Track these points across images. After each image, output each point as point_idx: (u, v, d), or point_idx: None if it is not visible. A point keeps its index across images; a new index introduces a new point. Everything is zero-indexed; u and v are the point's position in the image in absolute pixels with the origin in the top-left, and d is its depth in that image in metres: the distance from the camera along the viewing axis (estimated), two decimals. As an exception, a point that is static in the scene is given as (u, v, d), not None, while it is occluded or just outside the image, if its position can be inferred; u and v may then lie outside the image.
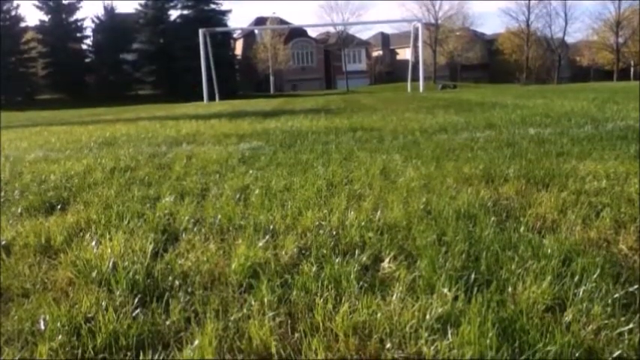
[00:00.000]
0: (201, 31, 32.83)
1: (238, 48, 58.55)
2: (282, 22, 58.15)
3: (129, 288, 1.85)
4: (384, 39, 68.70)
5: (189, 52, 40.49)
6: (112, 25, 48.83)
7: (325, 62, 63.49)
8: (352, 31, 59.53)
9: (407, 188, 3.15)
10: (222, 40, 47.65)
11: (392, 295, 1.70)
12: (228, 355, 1.44)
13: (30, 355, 1.48)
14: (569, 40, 63.81)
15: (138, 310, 1.68)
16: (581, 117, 7.28)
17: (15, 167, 4.75)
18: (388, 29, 66.97)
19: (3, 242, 2.41)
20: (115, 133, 8.31)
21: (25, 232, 2.56)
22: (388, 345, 1.43)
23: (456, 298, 1.66)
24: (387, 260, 2.00)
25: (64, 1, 48.18)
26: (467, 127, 6.61)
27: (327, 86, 60.83)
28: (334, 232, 2.36)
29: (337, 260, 1.99)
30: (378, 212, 2.61)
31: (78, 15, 49.51)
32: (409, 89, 35.12)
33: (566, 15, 60.21)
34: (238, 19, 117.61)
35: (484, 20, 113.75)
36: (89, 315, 1.66)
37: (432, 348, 1.40)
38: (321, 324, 1.55)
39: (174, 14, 50.80)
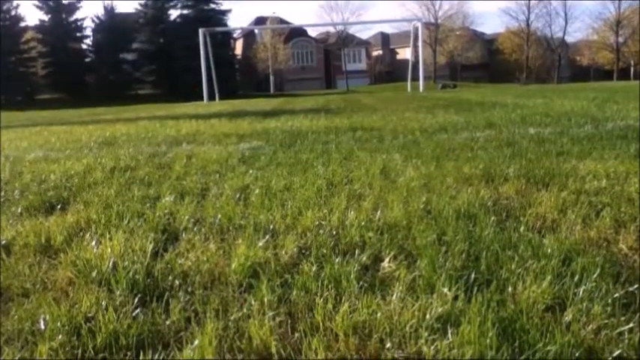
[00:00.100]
0: (201, 31, 32.83)
1: (238, 48, 58.54)
2: (282, 21, 58.15)
3: (129, 288, 1.85)
4: (384, 38, 68.69)
5: (189, 52, 40.50)
6: (111, 24, 48.82)
7: (325, 62, 63.47)
8: (352, 30, 59.55)
9: (407, 188, 3.15)
10: (222, 40, 47.64)
11: (392, 295, 1.70)
12: (228, 355, 1.44)
13: (30, 355, 1.48)
14: (569, 39, 63.92)
15: (138, 310, 1.68)
16: (581, 116, 7.28)
17: (15, 167, 4.75)
18: (388, 29, 67.05)
19: (3, 242, 2.41)
20: (115, 132, 8.31)
21: (25, 231, 2.56)
22: (388, 345, 1.43)
23: (456, 298, 1.66)
24: (387, 260, 2.00)
25: (63, 1, 48.20)
26: (467, 127, 6.61)
27: (327, 86, 60.82)
28: (334, 232, 2.36)
29: (337, 260, 1.99)
30: (378, 212, 2.61)
31: (78, 15, 49.61)
32: (409, 89, 35.13)
33: (566, 14, 60.29)
34: (238, 19, 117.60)
35: (484, 20, 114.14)
36: (89, 315, 1.66)
37: (432, 348, 1.40)
38: (321, 324, 1.55)
39: (174, 14, 50.90)
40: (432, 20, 58.80)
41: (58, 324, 1.59)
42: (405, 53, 58.50)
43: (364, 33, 69.85)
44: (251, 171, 4.01)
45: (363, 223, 2.43)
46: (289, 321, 1.59)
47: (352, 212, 2.64)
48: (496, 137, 5.34)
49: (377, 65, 64.68)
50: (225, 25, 50.07)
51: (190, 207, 2.91)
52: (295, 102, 20.45)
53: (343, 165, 4.11)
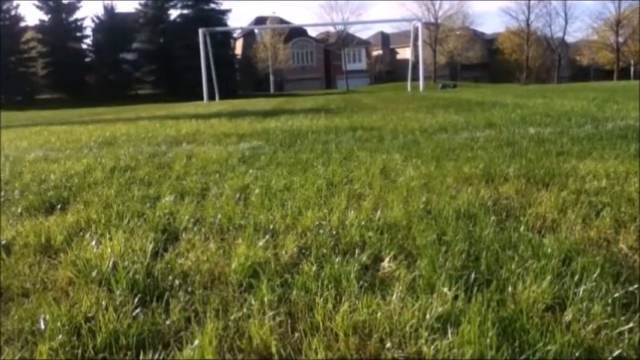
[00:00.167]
0: (201, 31, 32.83)
1: (238, 47, 58.54)
2: (282, 21, 58.16)
3: (129, 287, 1.85)
4: (384, 38, 68.69)
5: (189, 52, 40.53)
6: (111, 24, 48.85)
7: (325, 62, 63.48)
8: (352, 30, 59.57)
9: (407, 188, 3.15)
10: (222, 40, 47.65)
11: (392, 295, 1.70)
12: (228, 355, 1.44)
13: (30, 355, 1.48)
14: (569, 39, 63.91)
15: (138, 310, 1.68)
16: (581, 116, 7.28)
17: (15, 167, 4.75)
18: (388, 28, 67.10)
19: (3, 242, 2.41)
20: (115, 132, 8.31)
21: (25, 231, 2.56)
22: (388, 344, 1.43)
23: (456, 298, 1.66)
24: (387, 260, 2.00)
25: (63, 1, 48.22)
26: (467, 127, 6.61)
27: (327, 86, 60.81)
28: (334, 232, 2.36)
29: (337, 260, 1.99)
30: (378, 212, 2.61)
31: (78, 14, 49.66)
32: (409, 89, 35.12)
33: (566, 14, 60.30)
34: (238, 19, 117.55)
35: (484, 19, 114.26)
36: (89, 314, 1.66)
37: (432, 347, 1.40)
38: (321, 323, 1.55)
39: (174, 14, 50.90)
40: (432, 20, 58.81)
41: (58, 324, 1.59)
42: (405, 53, 58.50)
43: (364, 33, 70.00)
44: (251, 171, 4.01)
45: (363, 223, 2.43)
46: (289, 321, 1.59)
47: (352, 212, 2.64)
48: (496, 137, 5.34)
49: (377, 65, 64.69)
50: (225, 24, 50.09)
51: (190, 207, 2.91)
52: (295, 102, 20.45)
53: (343, 165, 4.12)
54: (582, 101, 11.01)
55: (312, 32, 64.66)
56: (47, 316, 1.63)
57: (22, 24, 46.93)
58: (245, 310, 1.66)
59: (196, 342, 1.47)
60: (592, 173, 3.36)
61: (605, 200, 2.71)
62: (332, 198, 2.98)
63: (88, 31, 50.50)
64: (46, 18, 47.77)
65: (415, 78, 35.56)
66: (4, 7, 45.07)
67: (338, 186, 3.33)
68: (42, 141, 7.41)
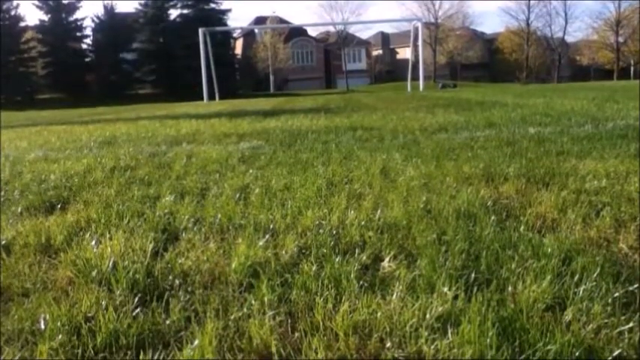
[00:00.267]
0: (201, 31, 32.80)
1: (238, 47, 58.50)
2: (281, 21, 58.14)
3: (129, 287, 1.85)
4: (384, 38, 68.67)
5: (189, 52, 40.51)
6: (111, 24, 48.83)
7: (325, 61, 63.44)
8: (352, 30, 59.51)
9: (407, 187, 3.15)
10: (222, 40, 47.62)
11: (392, 295, 1.70)
12: (228, 355, 1.44)
13: (30, 355, 1.48)
14: (569, 39, 63.94)
15: (138, 310, 1.68)
16: (581, 116, 7.28)
17: (15, 167, 4.75)
18: (388, 28, 67.07)
19: (3, 242, 2.41)
20: (115, 132, 8.31)
21: (25, 231, 2.56)
22: (388, 344, 1.43)
23: (456, 298, 1.66)
24: (387, 259, 2.00)
25: (63, 1, 48.14)
26: (467, 127, 6.60)
27: (327, 85, 60.80)
28: (334, 232, 2.36)
29: (337, 259, 1.99)
30: (378, 211, 2.61)
31: (78, 14, 49.59)
32: (409, 88, 35.10)
33: (566, 14, 60.28)
34: (238, 19, 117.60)
35: (484, 19, 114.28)
36: (89, 314, 1.66)
37: (432, 347, 1.40)
38: (321, 323, 1.55)
39: (174, 13, 50.85)
40: (432, 20, 58.79)
41: (58, 324, 1.59)
42: (405, 53, 58.48)
43: (364, 32, 69.95)
44: (251, 170, 4.01)
45: (363, 223, 2.43)
46: (289, 320, 1.59)
47: (352, 212, 2.64)
48: (496, 137, 5.34)
49: (377, 65, 64.68)
50: (225, 24, 50.04)
51: (190, 207, 2.91)
52: (295, 101, 20.45)
53: (343, 164, 4.11)
54: (582, 101, 11.01)
55: (312, 32, 64.72)
56: (47, 316, 1.63)
57: (22, 24, 46.88)
58: (245, 309, 1.66)
59: (196, 342, 1.47)
60: (592, 173, 3.36)
61: (605, 200, 2.71)
62: (332, 198, 2.98)
63: (88, 31, 50.56)
64: (46, 18, 47.73)
65: (415, 78, 35.55)
66: (4, 7, 45.05)
67: (338, 186, 3.33)
68: (42, 141, 7.41)
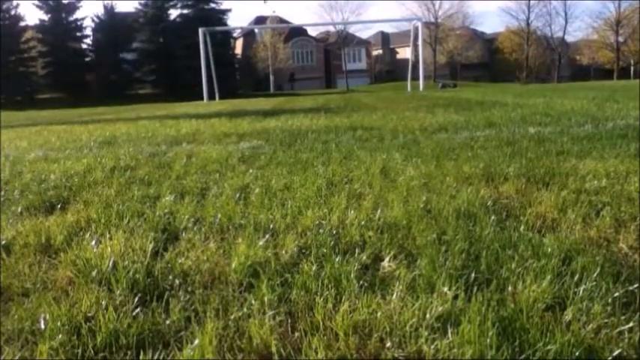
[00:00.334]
0: (201, 30, 32.79)
1: (238, 47, 58.48)
2: (281, 21, 58.12)
3: (129, 287, 1.85)
4: (384, 38, 68.65)
5: (190, 51, 40.49)
6: (111, 24, 48.81)
7: (325, 61, 63.43)
8: (352, 30, 59.49)
9: (407, 187, 3.14)
10: (222, 39, 47.59)
11: (392, 294, 1.70)
12: (228, 354, 1.44)
13: (30, 355, 1.48)
14: (569, 38, 63.94)
15: (138, 310, 1.68)
16: (581, 116, 7.28)
17: (15, 167, 4.75)
18: (388, 28, 67.06)
19: (3, 242, 2.41)
20: (115, 132, 8.31)
21: (25, 231, 2.56)
22: (388, 344, 1.43)
23: (456, 297, 1.66)
24: (387, 259, 2.00)
25: (63, 1, 48.12)
26: (467, 126, 6.60)
27: (327, 85, 60.79)
28: (334, 231, 2.36)
29: (337, 259, 1.99)
30: (378, 211, 2.61)
31: (78, 14, 49.63)
32: (409, 88, 35.10)
33: (566, 14, 60.27)
34: (238, 18, 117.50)
35: (484, 19, 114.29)
36: (89, 314, 1.66)
37: (432, 347, 1.40)
38: (321, 323, 1.55)
39: (174, 13, 50.83)
40: (432, 19, 58.79)
41: (58, 323, 1.59)
42: (405, 52, 58.46)
43: (364, 32, 69.93)
44: (251, 170, 4.01)
45: (363, 223, 2.43)
46: (289, 320, 1.59)
47: (352, 211, 2.64)
48: (496, 136, 5.34)
49: (377, 64, 64.67)
50: (225, 24, 50.01)
51: (190, 206, 2.91)
52: (295, 101, 20.45)
53: (343, 164, 4.11)
54: (582, 100, 11.01)
55: (312, 32, 64.71)
56: (47, 316, 1.63)
57: (22, 23, 46.85)
58: (245, 309, 1.66)
59: (196, 341, 1.47)
60: (592, 172, 3.36)
61: (605, 200, 2.71)
62: (332, 197, 2.98)
63: (88, 31, 50.51)
64: (46, 17, 47.70)
65: (415, 77, 35.53)
66: (4, 6, 45.03)
67: (338, 185, 3.33)
68: (42, 141, 7.41)
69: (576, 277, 1.75)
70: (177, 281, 1.89)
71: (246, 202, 3.02)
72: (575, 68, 62.83)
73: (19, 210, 3.03)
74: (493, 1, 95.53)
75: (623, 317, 1.52)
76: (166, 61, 46.93)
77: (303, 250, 2.16)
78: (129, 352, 1.47)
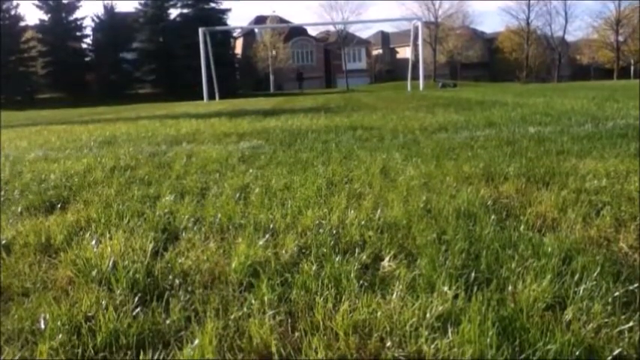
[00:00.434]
0: (200, 30, 32.77)
1: (238, 47, 58.47)
2: (281, 20, 58.10)
3: (129, 287, 1.85)
4: (384, 37, 68.65)
5: (189, 51, 40.47)
6: (111, 23, 48.81)
7: (325, 61, 63.43)
8: (352, 29, 59.48)
9: (407, 187, 3.14)
10: (222, 39, 47.56)
11: (392, 294, 1.70)
12: (228, 354, 1.44)
13: (30, 355, 1.48)
14: (569, 38, 63.97)
15: (138, 309, 1.68)
16: (581, 115, 7.28)
17: (15, 166, 4.75)
18: (388, 28, 67.09)
19: (3, 241, 2.41)
20: (115, 132, 8.30)
21: (25, 231, 2.56)
22: (388, 344, 1.43)
23: (456, 297, 1.66)
24: (387, 259, 2.00)
25: (63, 0, 48.12)
26: (467, 126, 6.60)
27: (327, 85, 60.78)
28: (334, 231, 2.36)
29: (337, 259, 1.99)
30: (378, 211, 2.61)
31: (78, 14, 49.73)
32: (409, 88, 35.09)
33: (566, 13, 60.27)
34: (238, 18, 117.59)
35: (484, 19, 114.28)
36: (89, 314, 1.66)
37: (432, 346, 1.40)
38: (321, 323, 1.55)
39: (174, 13, 50.81)
40: (432, 19, 58.77)
41: (58, 323, 1.59)
42: (405, 52, 58.46)
43: (364, 32, 70.00)
44: (251, 170, 4.01)
45: (363, 222, 2.43)
46: (289, 320, 1.59)
47: (352, 211, 2.64)
48: (496, 136, 5.34)
49: (377, 64, 64.65)
50: (225, 24, 49.98)
51: (190, 206, 2.91)
52: (295, 101, 20.45)
53: (343, 164, 4.11)
54: (582, 100, 11.01)
55: (312, 31, 64.70)
56: (47, 316, 1.63)
57: (22, 23, 46.81)
58: (245, 309, 1.66)
59: (196, 341, 1.47)
60: (592, 172, 3.36)
61: (606, 199, 2.71)
62: (332, 197, 2.98)
63: (88, 31, 50.50)
64: (46, 17, 47.68)
65: (415, 77, 35.51)
66: (4, 6, 45.00)
67: (338, 185, 3.33)
68: (42, 140, 7.41)
69: (576, 277, 1.75)
70: (177, 281, 1.89)
71: (246, 201, 3.02)
72: (575, 68, 62.83)
73: (19, 210, 3.03)
74: (493, 1, 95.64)
75: (623, 317, 1.52)
76: (166, 61, 46.92)
77: (303, 250, 2.16)
78: (129, 352, 1.47)
